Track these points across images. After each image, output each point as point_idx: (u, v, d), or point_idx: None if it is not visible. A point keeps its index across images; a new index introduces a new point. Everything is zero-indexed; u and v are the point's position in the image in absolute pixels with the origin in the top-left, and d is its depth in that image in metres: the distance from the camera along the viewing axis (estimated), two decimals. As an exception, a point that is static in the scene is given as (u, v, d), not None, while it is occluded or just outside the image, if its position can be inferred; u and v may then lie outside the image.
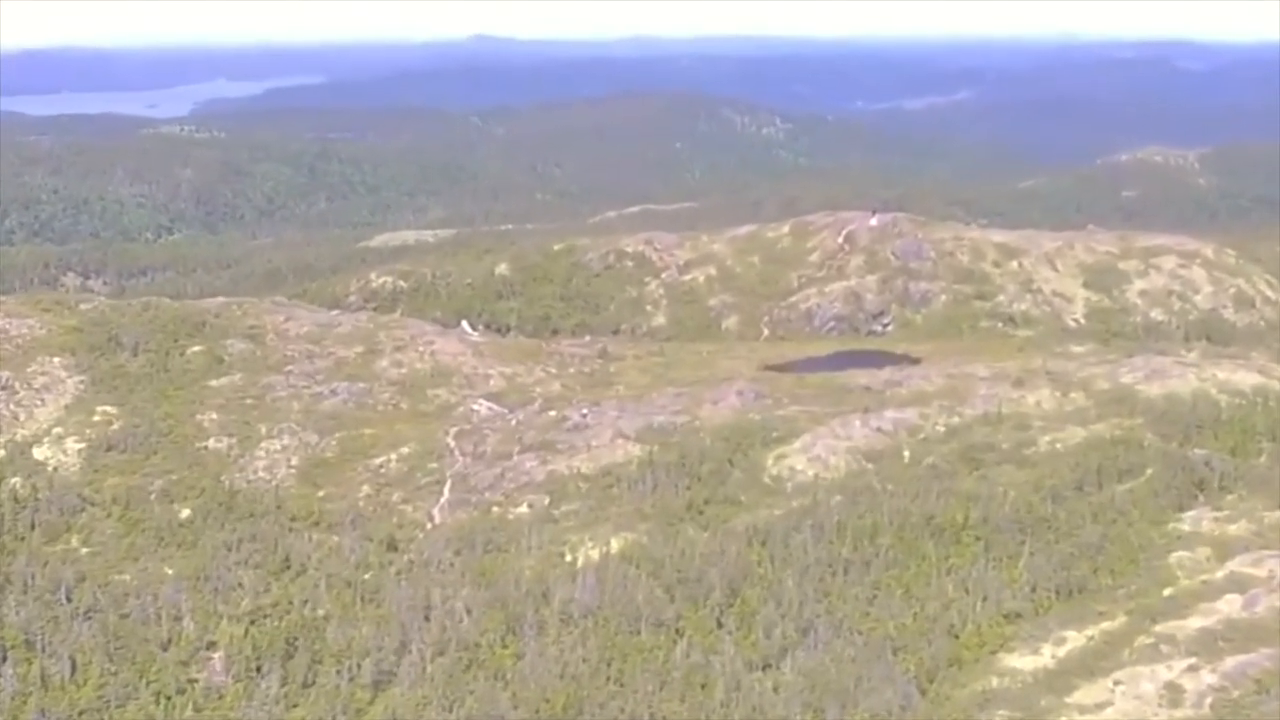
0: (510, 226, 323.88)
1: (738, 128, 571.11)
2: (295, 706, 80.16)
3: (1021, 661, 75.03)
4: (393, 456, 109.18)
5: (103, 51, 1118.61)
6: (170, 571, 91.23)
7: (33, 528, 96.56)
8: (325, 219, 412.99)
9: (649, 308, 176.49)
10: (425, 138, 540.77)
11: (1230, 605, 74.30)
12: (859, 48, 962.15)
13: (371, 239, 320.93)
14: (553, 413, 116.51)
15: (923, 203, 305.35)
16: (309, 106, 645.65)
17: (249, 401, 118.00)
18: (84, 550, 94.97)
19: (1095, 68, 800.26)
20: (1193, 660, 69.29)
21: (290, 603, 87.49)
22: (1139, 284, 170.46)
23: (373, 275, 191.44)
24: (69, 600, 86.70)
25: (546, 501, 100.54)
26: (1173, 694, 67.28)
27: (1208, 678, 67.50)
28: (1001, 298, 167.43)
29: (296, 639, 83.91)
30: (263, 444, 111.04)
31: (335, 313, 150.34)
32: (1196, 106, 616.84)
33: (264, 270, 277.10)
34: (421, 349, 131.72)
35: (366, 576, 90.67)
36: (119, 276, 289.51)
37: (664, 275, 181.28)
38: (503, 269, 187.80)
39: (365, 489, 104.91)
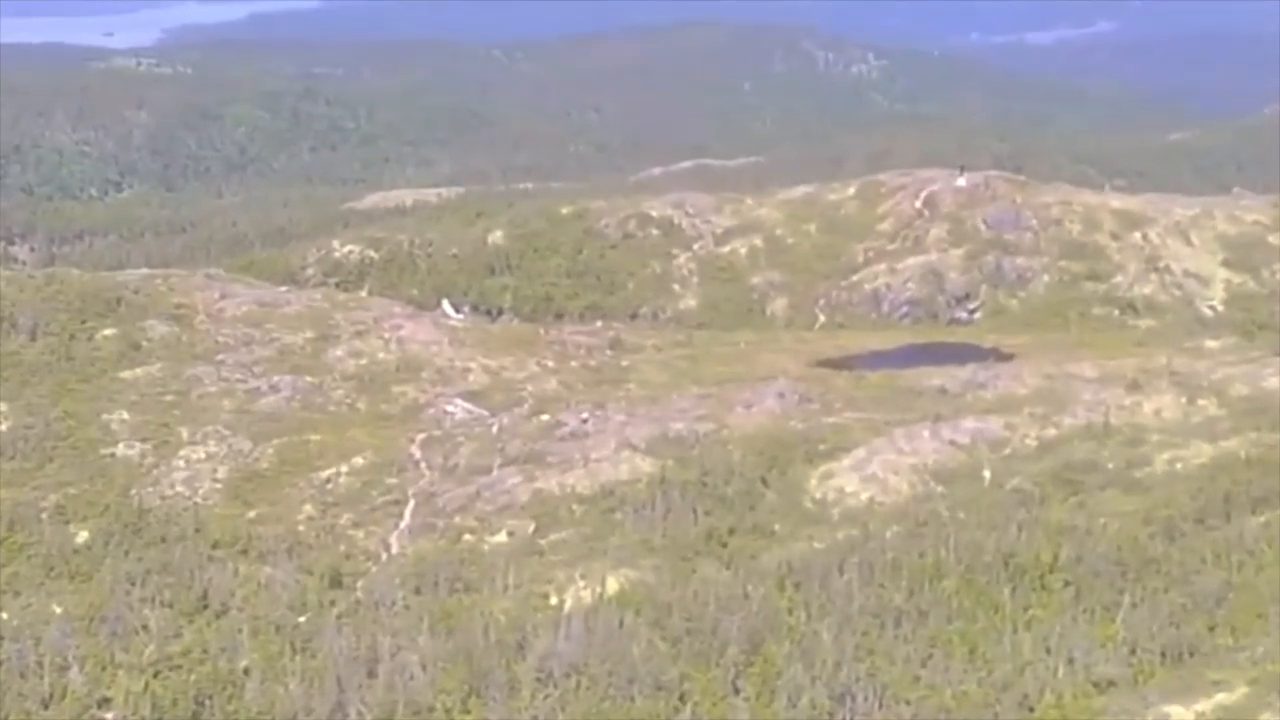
0: (531, 185, 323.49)
1: (821, 65, 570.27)
2: (199, 780, 78.66)
3: (1112, 744, 72.60)
4: (343, 469, 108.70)
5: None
6: (59, 610, 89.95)
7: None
8: (308, 173, 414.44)
9: (676, 287, 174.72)
10: (434, 75, 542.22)
11: (1382, 676, 71.55)
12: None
13: (362, 199, 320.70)
14: (545, 417, 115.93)
15: (1045, 159, 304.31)
16: (295, 36, 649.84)
17: (169, 398, 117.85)
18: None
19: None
20: (1330, 746, 66.50)
21: (204, 651, 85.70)
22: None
23: (335, 243, 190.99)
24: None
25: (531, 528, 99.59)
26: (1301, 790, 64.43)
27: (1348, 770, 64.76)
28: (1120, 278, 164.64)
29: (209, 696, 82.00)
30: (183, 451, 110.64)
31: (284, 289, 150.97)
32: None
33: (226, 235, 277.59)
34: (387, 335, 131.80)
35: (301, 620, 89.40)
36: (50, 241, 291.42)
37: (696, 246, 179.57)
38: (497, 237, 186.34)
39: (307, 509, 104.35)
